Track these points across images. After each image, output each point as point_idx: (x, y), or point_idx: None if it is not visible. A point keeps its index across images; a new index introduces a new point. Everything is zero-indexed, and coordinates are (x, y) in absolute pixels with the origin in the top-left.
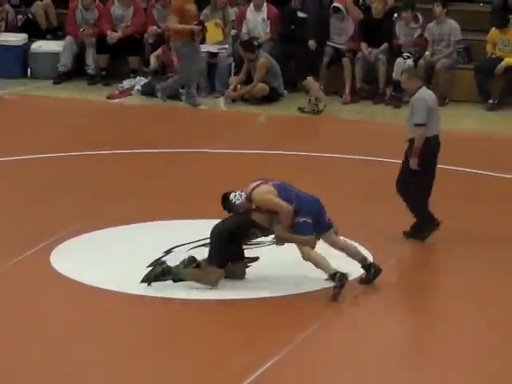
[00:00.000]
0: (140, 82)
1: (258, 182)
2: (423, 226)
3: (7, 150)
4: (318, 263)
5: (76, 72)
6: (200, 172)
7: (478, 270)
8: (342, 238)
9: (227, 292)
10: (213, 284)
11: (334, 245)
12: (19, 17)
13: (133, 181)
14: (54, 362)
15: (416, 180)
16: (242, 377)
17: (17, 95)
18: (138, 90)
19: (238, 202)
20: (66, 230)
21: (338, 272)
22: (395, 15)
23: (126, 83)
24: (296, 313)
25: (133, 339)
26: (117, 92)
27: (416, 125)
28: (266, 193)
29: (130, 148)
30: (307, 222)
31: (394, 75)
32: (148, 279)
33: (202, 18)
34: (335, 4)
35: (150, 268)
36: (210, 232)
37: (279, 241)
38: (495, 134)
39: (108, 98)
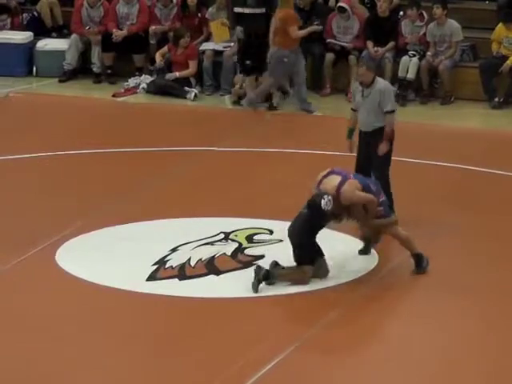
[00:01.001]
0: (145, 80)
1: (337, 178)
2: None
3: (12, 148)
4: (407, 241)
5: (81, 70)
6: (206, 170)
7: (480, 269)
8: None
9: (231, 290)
10: (307, 282)
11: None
12: (25, 15)
13: (138, 179)
14: (55, 360)
15: (381, 168)
16: (245, 376)
17: (22, 93)
18: (143, 88)
19: (328, 208)
20: (71, 229)
21: (422, 254)
22: (401, 13)
23: (132, 81)
24: (299, 311)
25: (138, 338)
26: (122, 90)
27: (388, 112)
28: (354, 190)
29: (135, 146)
30: (385, 201)
31: (399, 73)
32: (255, 285)
33: (207, 16)
34: (340, 4)
35: (156, 267)
36: (288, 235)
37: (366, 228)
38: (500, 132)
39: (113, 96)
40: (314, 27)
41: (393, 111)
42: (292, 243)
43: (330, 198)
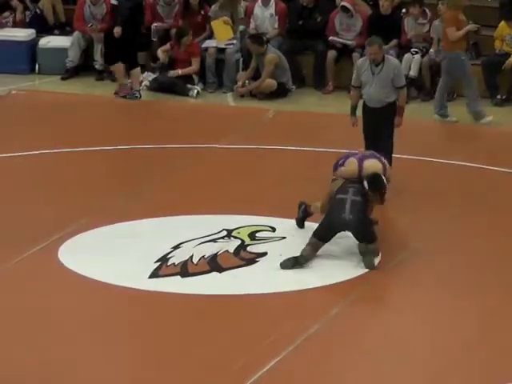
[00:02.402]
0: (148, 77)
1: (377, 162)
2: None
3: (15, 146)
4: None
5: (84, 67)
6: (208, 167)
7: (482, 268)
8: None
9: (233, 288)
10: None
11: None
12: (27, 12)
13: (140, 176)
14: (57, 357)
15: (389, 140)
16: (247, 373)
17: (24, 91)
18: (145, 85)
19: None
20: (74, 226)
21: None
22: (403, 10)
23: None
24: (301, 309)
25: (140, 335)
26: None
27: (400, 87)
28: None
29: (137, 143)
30: None
31: None
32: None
33: (210, 14)
34: (344, 3)
35: (158, 264)
36: (346, 225)
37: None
38: (503, 129)
39: (116, 93)
40: (472, 26)
41: (405, 86)
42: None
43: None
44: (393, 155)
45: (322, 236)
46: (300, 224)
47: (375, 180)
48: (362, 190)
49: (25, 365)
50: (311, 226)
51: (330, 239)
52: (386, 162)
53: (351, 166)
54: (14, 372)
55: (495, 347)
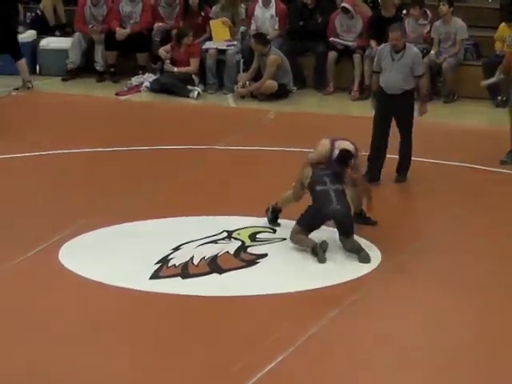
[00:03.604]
0: (149, 78)
1: (348, 142)
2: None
3: (15, 147)
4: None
5: (84, 69)
6: (209, 169)
7: (482, 268)
8: None
9: (233, 289)
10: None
11: None
12: (28, 13)
13: (141, 177)
14: (57, 358)
15: (409, 129)
16: (246, 375)
17: (25, 92)
18: (146, 86)
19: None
20: (74, 227)
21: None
22: (404, 12)
23: (135, 80)
24: (301, 310)
25: (140, 336)
26: (125, 89)
27: (419, 76)
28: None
29: (138, 145)
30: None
31: None
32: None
33: (211, 15)
34: (344, 5)
35: (159, 265)
36: (340, 215)
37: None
38: (504, 130)
39: (116, 94)
40: None
41: (423, 74)
42: (344, 221)
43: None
44: (392, 156)
45: (310, 226)
46: (275, 223)
47: (344, 155)
48: (336, 175)
49: (24, 365)
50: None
51: (316, 229)
52: (357, 148)
53: (323, 146)
54: (12, 372)
55: (495, 347)
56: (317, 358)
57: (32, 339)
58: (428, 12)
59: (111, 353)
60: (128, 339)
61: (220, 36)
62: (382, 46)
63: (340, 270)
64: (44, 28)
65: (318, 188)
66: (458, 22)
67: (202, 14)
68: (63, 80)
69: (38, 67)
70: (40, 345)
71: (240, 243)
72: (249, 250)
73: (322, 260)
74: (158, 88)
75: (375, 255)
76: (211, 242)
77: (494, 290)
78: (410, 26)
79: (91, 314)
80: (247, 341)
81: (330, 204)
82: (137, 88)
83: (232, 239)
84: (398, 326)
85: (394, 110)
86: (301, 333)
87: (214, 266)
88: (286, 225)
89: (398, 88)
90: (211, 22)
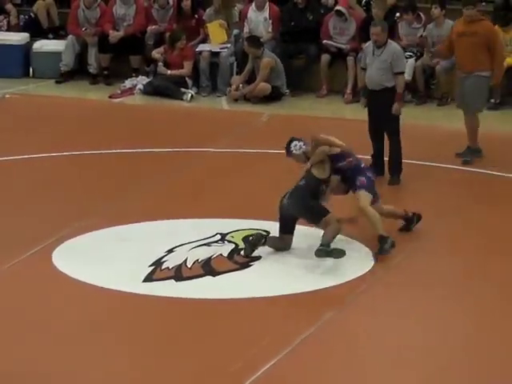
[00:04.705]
0: (142, 81)
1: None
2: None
3: (9, 149)
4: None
5: (78, 71)
6: (202, 171)
7: (484, 267)
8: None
9: (227, 291)
10: (339, 228)
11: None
12: (21, 16)
13: (135, 180)
14: (54, 362)
15: (394, 130)
16: (243, 377)
17: (19, 95)
18: (140, 89)
19: (298, 151)
20: (68, 230)
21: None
22: (397, 15)
23: (128, 82)
24: (297, 311)
25: (135, 339)
26: (119, 91)
27: (398, 73)
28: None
29: (131, 147)
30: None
31: None
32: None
33: (204, 18)
34: (338, 7)
35: (152, 268)
36: (285, 208)
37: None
38: (497, 133)
39: (110, 97)
40: None
41: (403, 72)
42: (290, 215)
43: (301, 142)
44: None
45: (281, 225)
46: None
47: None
48: (307, 171)
49: (23, 365)
50: (306, 231)
51: (285, 227)
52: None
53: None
54: (12, 372)
55: (489, 347)
56: (312, 359)
57: (31, 339)
58: (422, 15)
59: (110, 353)
60: (127, 340)
61: (218, 38)
62: (368, 42)
63: (334, 271)
64: (37, 31)
65: None
66: (451, 25)
67: (196, 16)
68: (57, 83)
69: (31, 70)
70: (39, 345)
71: (233, 246)
72: (242, 252)
73: (246, 251)
74: (151, 91)
75: (370, 256)
76: (205, 245)
77: (493, 290)
78: (404, 30)
79: (84, 317)
80: (241, 344)
81: (284, 198)
82: (130, 91)
83: (226, 242)
84: (392, 326)
85: (376, 107)
86: (296, 334)
87: (208, 268)
88: None
89: (378, 84)
90: (208, 25)
